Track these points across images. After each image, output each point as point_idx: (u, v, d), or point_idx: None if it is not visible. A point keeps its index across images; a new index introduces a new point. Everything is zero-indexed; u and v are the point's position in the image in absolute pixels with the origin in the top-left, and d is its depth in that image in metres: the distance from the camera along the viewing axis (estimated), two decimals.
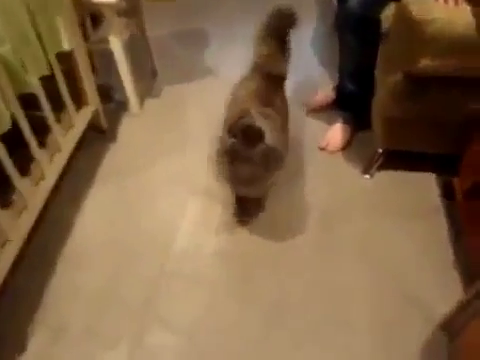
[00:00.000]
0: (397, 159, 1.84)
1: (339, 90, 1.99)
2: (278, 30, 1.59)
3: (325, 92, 2.12)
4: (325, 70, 2.36)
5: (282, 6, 1.57)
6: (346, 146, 1.95)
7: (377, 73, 1.67)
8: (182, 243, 1.64)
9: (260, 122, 1.31)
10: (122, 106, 2.16)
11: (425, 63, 1.38)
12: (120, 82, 2.06)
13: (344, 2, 1.66)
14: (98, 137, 1.99)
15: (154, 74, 2.37)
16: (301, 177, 1.85)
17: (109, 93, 2.19)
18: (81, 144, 1.83)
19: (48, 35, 1.47)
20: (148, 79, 2.35)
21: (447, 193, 1.75)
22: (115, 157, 1.95)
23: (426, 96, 1.50)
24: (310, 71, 2.37)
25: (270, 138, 1.30)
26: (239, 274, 1.56)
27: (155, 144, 2.01)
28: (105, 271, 1.55)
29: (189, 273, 1.56)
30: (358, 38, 1.68)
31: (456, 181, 1.66)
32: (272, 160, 1.35)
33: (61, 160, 1.64)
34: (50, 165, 1.58)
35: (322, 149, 1.94)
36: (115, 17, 1.83)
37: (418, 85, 1.48)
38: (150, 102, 2.23)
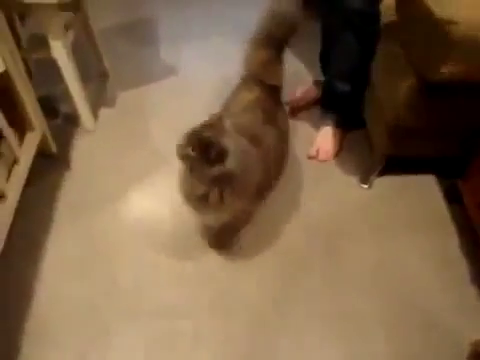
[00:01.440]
0: (394, 163, 1.64)
1: (327, 90, 1.75)
2: (277, 37, 1.37)
3: (305, 87, 1.89)
4: (301, 63, 2.10)
5: (282, 9, 1.33)
6: (339, 152, 1.74)
7: (377, 73, 1.46)
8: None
9: (227, 139, 1.14)
10: (71, 121, 1.80)
11: (448, 69, 1.17)
12: (65, 91, 1.70)
13: (337, 2, 1.44)
14: (46, 164, 1.64)
15: (104, 76, 2.03)
16: (291, 193, 1.63)
17: (53, 106, 1.82)
18: (28, 178, 1.48)
19: None
20: (98, 83, 2.00)
21: (452, 196, 1.60)
22: (72, 190, 1.61)
23: (445, 104, 1.30)
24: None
25: (233, 161, 1.13)
26: (238, 323, 1.34)
27: (118, 168, 1.69)
28: (76, 349, 1.26)
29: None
30: (358, 36, 1.47)
31: (461, 183, 1.52)
32: (229, 186, 1.17)
33: (7, 210, 1.31)
34: None
35: (312, 158, 1.72)
36: (55, 17, 1.46)
37: (437, 92, 1.27)
38: (104, 113, 1.89)
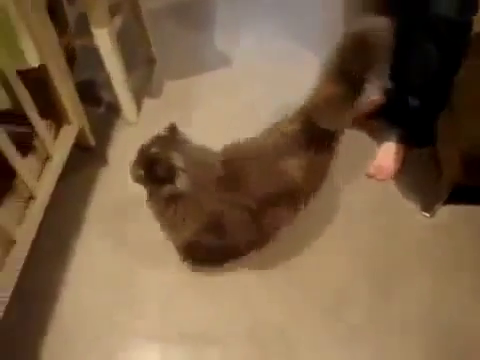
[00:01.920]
0: (460, 191, 1.42)
1: (395, 102, 1.55)
2: (354, 70, 1.10)
3: (371, 98, 1.68)
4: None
5: (367, 30, 1.07)
6: (400, 170, 1.55)
7: (459, 91, 1.25)
8: None
9: (178, 155, 1.05)
10: (113, 110, 1.70)
11: None
12: (108, 78, 1.59)
13: (421, 6, 1.22)
14: (83, 158, 1.55)
15: (151, 62, 1.90)
16: (339, 217, 1.45)
17: (95, 93, 1.72)
18: (62, 171, 1.39)
19: (4, 50, 1.02)
20: (144, 70, 1.88)
21: None
22: (107, 188, 1.52)
23: None
24: None
25: (184, 179, 1.04)
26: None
27: None
28: None
29: None
30: (442, 47, 1.26)
31: None
32: (182, 205, 1.09)
33: (36, 209, 1.23)
34: (22, 226, 1.17)
35: (370, 176, 1.53)
36: (102, 6, 1.34)
37: None
38: (148, 103, 1.77)
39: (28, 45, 1.08)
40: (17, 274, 1.08)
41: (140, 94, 1.77)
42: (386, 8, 1.19)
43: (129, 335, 1.23)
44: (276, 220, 1.22)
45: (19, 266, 1.10)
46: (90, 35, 1.43)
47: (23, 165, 1.15)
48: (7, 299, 1.03)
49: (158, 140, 1.10)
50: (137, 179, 1.10)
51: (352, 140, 1.57)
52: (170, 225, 1.18)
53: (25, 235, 1.16)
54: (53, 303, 1.28)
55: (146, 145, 1.09)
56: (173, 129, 1.12)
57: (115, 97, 1.64)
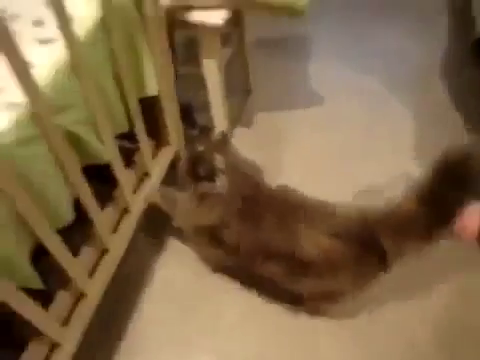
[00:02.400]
0: None
1: None
2: (445, 193, 1.02)
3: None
4: (457, 114, 1.83)
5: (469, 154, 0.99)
6: None
7: None
8: None
9: (221, 158, 1.15)
10: (205, 134, 1.77)
11: None
12: (204, 102, 1.66)
13: None
14: (170, 173, 1.63)
15: (247, 93, 1.97)
16: (423, 276, 1.42)
17: (191, 116, 1.82)
18: None
19: (131, 80, 1.12)
20: (239, 98, 1.95)
21: None
22: None
23: None
24: (443, 116, 1.83)
25: (222, 182, 1.13)
26: None
27: None
28: None
29: None
30: None
31: None
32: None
33: (129, 220, 1.32)
34: (115, 234, 1.25)
35: (455, 236, 1.50)
36: (214, 36, 1.43)
37: None
38: (239, 132, 1.84)
39: (150, 74, 1.18)
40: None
41: (232, 121, 1.85)
42: None
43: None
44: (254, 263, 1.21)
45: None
46: (197, 62, 1.53)
47: (125, 176, 1.22)
48: None
49: (208, 143, 1.21)
50: (184, 173, 1.21)
51: None
52: (189, 213, 1.24)
53: (118, 243, 1.26)
54: (130, 315, 1.37)
55: (196, 145, 1.20)
56: (224, 136, 1.22)
57: (208, 121, 1.71)
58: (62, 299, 1.08)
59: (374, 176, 1.63)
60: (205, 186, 1.16)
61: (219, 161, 1.15)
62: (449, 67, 2.04)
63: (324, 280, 1.14)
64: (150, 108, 1.38)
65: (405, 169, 1.64)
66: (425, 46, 2.17)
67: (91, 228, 1.13)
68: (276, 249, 1.13)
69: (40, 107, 0.81)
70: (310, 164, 1.66)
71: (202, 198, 1.18)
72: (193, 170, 1.17)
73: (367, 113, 1.89)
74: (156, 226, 1.53)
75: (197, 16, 1.35)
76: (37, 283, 0.92)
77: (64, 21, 0.82)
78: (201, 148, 1.19)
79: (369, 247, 1.06)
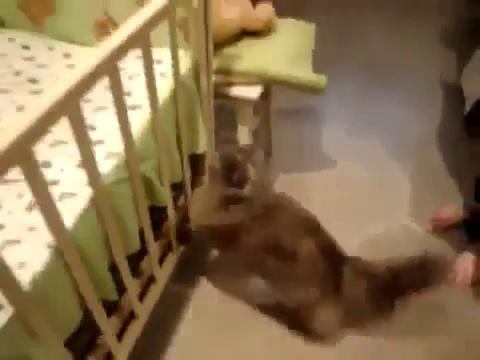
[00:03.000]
0: None
1: (476, 215, 1.77)
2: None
3: (452, 208, 1.91)
4: (452, 180, 2.11)
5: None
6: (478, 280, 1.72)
7: None
8: None
9: (253, 169, 1.32)
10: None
11: None
12: None
13: None
14: None
15: (267, 155, 2.26)
16: (419, 318, 1.59)
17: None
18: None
19: (188, 138, 1.40)
20: (261, 161, 2.23)
21: None
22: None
23: None
24: (439, 181, 2.11)
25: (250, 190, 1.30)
26: None
27: None
28: None
29: None
30: None
31: None
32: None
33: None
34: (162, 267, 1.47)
35: (449, 281, 1.72)
36: (250, 109, 1.74)
37: None
38: None
39: (202, 135, 1.47)
40: None
41: None
42: None
43: None
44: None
45: None
46: (231, 128, 1.83)
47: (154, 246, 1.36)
48: None
49: (242, 151, 1.36)
50: (210, 167, 1.40)
51: (435, 245, 1.79)
52: (213, 212, 1.39)
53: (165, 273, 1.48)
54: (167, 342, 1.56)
55: (232, 152, 1.36)
56: (253, 147, 1.41)
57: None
58: (117, 318, 1.27)
59: (375, 231, 1.88)
60: (234, 191, 1.31)
61: (252, 172, 1.31)
62: (445, 138, 2.34)
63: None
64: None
65: (404, 227, 1.90)
66: (423, 115, 2.48)
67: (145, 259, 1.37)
68: (279, 249, 1.35)
69: (132, 156, 1.08)
70: (320, 218, 1.90)
71: (228, 201, 1.33)
72: (228, 175, 1.32)
73: (371, 175, 2.15)
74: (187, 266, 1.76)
75: (237, 90, 1.66)
76: (114, 295, 1.14)
77: (154, 95, 1.11)
78: (238, 157, 1.34)
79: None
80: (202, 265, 1.78)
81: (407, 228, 1.90)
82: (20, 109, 1.29)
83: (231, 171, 1.31)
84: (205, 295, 1.69)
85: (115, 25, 1.52)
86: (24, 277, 0.85)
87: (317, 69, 1.76)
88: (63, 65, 1.48)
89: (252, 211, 1.34)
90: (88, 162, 0.90)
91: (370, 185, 2.11)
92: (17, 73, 1.44)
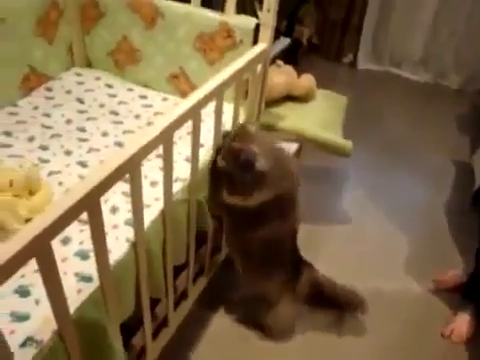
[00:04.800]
0: None
1: (475, 282, 1.95)
2: None
3: (456, 272, 2.11)
4: (458, 249, 2.32)
5: None
6: (471, 338, 1.90)
7: None
8: None
9: (254, 145, 1.31)
10: None
11: None
12: None
13: None
14: None
15: None
16: None
17: None
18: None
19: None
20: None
21: None
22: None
23: None
24: (443, 247, 2.34)
25: (263, 160, 1.30)
26: None
27: None
28: None
29: None
30: None
31: None
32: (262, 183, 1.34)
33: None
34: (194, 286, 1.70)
35: (445, 337, 1.90)
36: None
37: None
38: None
39: None
40: None
41: None
42: None
43: None
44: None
45: None
46: None
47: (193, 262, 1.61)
48: None
49: (235, 138, 1.35)
50: (219, 169, 1.36)
51: (435, 304, 2.00)
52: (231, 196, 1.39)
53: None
54: None
55: (228, 144, 1.35)
56: (244, 127, 1.40)
57: None
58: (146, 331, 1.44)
59: (376, 284, 2.09)
60: (249, 176, 1.31)
61: (253, 147, 1.30)
62: (452, 210, 2.57)
63: None
64: None
65: (405, 284, 2.12)
66: (434, 188, 2.74)
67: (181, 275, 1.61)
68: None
69: (194, 183, 1.35)
70: (326, 267, 2.09)
71: (253, 182, 1.33)
72: (233, 162, 1.31)
73: (380, 234, 2.38)
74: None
75: None
76: (162, 293, 1.38)
77: (217, 138, 1.41)
78: (237, 143, 1.32)
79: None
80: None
81: (409, 285, 2.11)
82: (104, 134, 1.60)
83: (234, 156, 1.31)
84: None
85: (186, 77, 1.85)
86: (110, 261, 1.10)
87: (345, 136, 2.05)
88: (139, 104, 1.80)
89: (270, 192, 1.37)
90: (167, 183, 1.19)
91: (378, 243, 2.34)
92: (101, 105, 1.77)
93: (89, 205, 0.89)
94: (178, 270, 1.54)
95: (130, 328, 1.37)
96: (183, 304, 1.67)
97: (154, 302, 1.42)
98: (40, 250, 0.79)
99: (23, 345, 0.93)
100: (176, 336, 1.63)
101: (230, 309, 1.91)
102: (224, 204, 1.42)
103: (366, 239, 2.36)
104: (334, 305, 1.79)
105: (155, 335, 1.49)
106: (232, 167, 1.32)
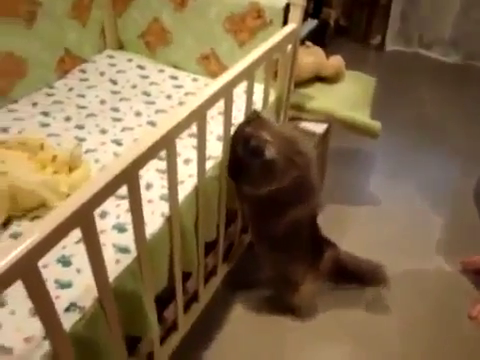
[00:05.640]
0: None
1: None
2: None
3: None
4: None
5: None
6: None
7: None
8: None
9: (264, 132, 1.30)
10: None
11: None
12: None
13: None
14: None
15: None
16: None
17: None
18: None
19: None
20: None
21: None
22: None
23: None
24: (472, 229, 2.27)
25: (271, 150, 1.28)
26: None
27: None
28: None
29: None
30: None
31: None
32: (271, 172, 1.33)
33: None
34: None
35: (472, 318, 1.91)
36: (312, 143, 2.03)
37: None
38: None
39: None
40: None
41: None
42: None
43: None
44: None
45: None
46: None
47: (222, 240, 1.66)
48: None
49: (249, 124, 1.34)
50: (236, 156, 1.36)
51: (463, 285, 2.00)
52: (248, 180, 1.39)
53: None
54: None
55: (240, 128, 1.35)
56: (256, 113, 1.37)
57: None
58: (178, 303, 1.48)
59: (406, 265, 2.10)
60: (259, 162, 1.30)
61: (266, 135, 1.30)
62: None
63: None
64: None
65: (433, 264, 2.12)
66: (464, 171, 2.70)
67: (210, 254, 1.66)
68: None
69: (225, 160, 1.39)
70: (356, 247, 2.12)
71: (261, 169, 1.32)
72: (246, 148, 1.30)
73: (408, 216, 2.38)
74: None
75: (305, 125, 1.97)
76: (194, 266, 1.43)
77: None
78: (248, 130, 1.32)
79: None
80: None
81: (437, 266, 2.11)
82: (137, 114, 1.64)
83: (245, 141, 1.31)
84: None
85: (216, 58, 1.87)
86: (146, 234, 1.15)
87: (373, 117, 2.05)
88: (170, 85, 1.84)
89: (285, 177, 1.36)
90: (201, 159, 1.22)
91: (406, 223, 2.34)
92: (133, 86, 1.81)
93: (129, 178, 0.93)
94: (208, 248, 1.59)
95: (163, 301, 1.43)
96: (212, 280, 1.72)
97: (185, 277, 1.47)
98: (84, 219, 0.84)
99: (67, 310, 0.99)
100: (205, 313, 1.69)
101: (255, 290, 1.95)
102: (242, 193, 1.47)
103: (395, 219, 2.36)
104: (358, 280, 1.82)
105: (186, 309, 1.55)
106: (242, 152, 1.33)
